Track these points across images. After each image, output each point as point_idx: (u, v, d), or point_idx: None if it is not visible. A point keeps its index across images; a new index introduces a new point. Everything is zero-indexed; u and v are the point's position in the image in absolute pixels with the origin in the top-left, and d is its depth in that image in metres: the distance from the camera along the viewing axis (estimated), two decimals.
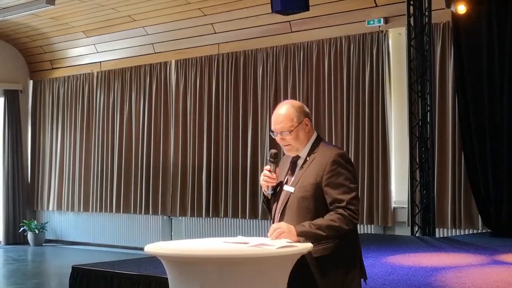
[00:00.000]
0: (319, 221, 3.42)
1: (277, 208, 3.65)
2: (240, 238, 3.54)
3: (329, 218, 3.41)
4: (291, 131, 3.56)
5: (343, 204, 3.43)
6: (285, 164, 3.73)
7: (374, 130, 9.47)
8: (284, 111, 3.59)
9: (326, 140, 4.30)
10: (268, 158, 3.70)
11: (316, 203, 3.50)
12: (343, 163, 3.50)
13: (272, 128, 3.63)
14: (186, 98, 11.58)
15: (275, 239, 3.37)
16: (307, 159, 3.60)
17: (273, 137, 3.66)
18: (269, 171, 3.65)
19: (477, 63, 8.48)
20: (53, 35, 12.93)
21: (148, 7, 11.07)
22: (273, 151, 3.67)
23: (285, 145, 3.62)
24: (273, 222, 3.66)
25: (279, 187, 3.68)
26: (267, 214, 10.18)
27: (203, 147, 11.29)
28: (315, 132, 3.67)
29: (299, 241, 3.39)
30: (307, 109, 3.65)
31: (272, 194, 3.69)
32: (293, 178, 3.61)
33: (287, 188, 3.61)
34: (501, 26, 8.35)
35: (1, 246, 13.40)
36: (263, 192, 3.75)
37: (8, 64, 13.86)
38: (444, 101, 8.94)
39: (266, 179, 3.65)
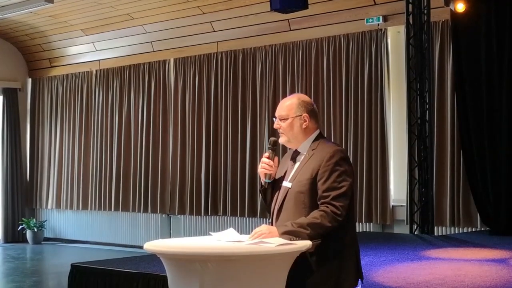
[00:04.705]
0: (302, 219, 3.42)
1: (276, 204, 3.65)
2: (231, 231, 3.53)
3: (312, 216, 3.42)
4: (285, 119, 3.61)
5: (327, 200, 3.43)
6: (286, 161, 3.75)
7: (373, 128, 9.47)
8: (288, 101, 3.68)
9: None
10: (267, 145, 3.71)
11: (312, 198, 3.51)
12: (338, 160, 3.51)
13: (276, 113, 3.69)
14: (184, 96, 11.58)
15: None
16: (306, 155, 3.62)
17: (274, 121, 3.70)
18: (268, 157, 3.66)
19: (476, 61, 8.48)
20: (52, 33, 12.92)
21: (147, 5, 11.06)
22: (273, 138, 3.71)
23: (279, 132, 3.67)
24: (271, 218, 3.68)
25: (276, 178, 3.68)
26: (266, 212, 10.23)
27: (201, 144, 11.28)
28: (318, 130, 3.70)
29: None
30: (312, 107, 3.69)
31: (269, 183, 3.69)
32: (291, 174, 3.63)
33: (286, 184, 3.62)
34: (499, 24, 8.35)
35: (0, 244, 13.39)
36: (260, 182, 3.76)
37: (6, 62, 13.84)
38: (443, 99, 8.94)
39: (264, 166, 3.66)
